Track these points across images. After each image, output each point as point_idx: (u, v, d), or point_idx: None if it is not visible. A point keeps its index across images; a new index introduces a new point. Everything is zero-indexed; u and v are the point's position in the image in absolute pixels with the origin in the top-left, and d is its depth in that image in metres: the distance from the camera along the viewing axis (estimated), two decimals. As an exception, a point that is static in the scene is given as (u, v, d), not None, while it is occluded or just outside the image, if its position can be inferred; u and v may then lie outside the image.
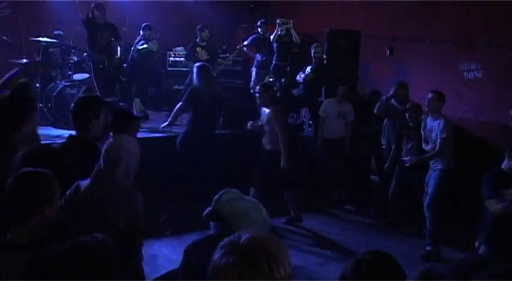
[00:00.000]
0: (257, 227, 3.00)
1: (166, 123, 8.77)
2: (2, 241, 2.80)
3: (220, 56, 11.88)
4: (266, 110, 8.30)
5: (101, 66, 9.74)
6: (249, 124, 8.66)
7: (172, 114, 8.74)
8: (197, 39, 11.12)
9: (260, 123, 8.47)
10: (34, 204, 2.81)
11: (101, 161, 3.83)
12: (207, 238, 3.24)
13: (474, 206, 6.32)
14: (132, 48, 10.98)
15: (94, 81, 9.66)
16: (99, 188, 3.81)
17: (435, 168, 7.80)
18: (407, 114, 8.34)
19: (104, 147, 3.89)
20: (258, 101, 8.72)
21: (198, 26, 11.08)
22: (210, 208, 3.25)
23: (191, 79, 10.91)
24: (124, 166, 3.81)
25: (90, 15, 9.52)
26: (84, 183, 3.87)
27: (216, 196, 3.28)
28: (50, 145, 5.06)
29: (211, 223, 3.26)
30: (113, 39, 10.01)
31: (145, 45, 11.04)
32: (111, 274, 2.43)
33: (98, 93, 9.11)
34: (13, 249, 2.75)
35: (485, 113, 9.53)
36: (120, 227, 3.63)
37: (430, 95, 7.84)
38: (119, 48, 9.94)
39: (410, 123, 8.27)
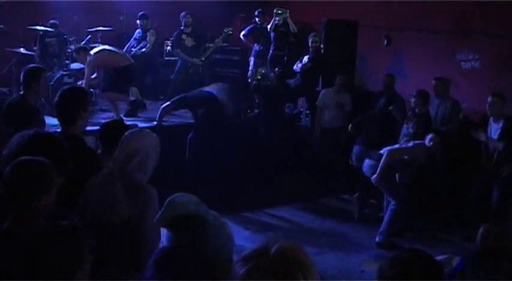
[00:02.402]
0: (220, 232, 2.76)
1: None
2: (0, 230, 2.79)
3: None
4: None
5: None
6: None
7: None
8: (181, 27, 11.12)
9: None
10: (32, 193, 2.80)
11: (116, 151, 3.65)
12: (161, 249, 2.74)
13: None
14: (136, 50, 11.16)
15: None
16: (110, 180, 3.59)
17: None
18: None
19: (122, 137, 3.69)
20: None
21: (182, 13, 11.13)
22: (163, 210, 2.80)
23: (180, 66, 11.03)
24: (139, 160, 3.60)
25: None
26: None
27: (170, 198, 2.85)
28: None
29: (167, 232, 2.79)
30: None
31: (148, 45, 11.20)
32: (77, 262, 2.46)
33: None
34: (10, 238, 2.74)
35: (483, 103, 9.51)
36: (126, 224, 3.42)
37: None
38: None
39: None
